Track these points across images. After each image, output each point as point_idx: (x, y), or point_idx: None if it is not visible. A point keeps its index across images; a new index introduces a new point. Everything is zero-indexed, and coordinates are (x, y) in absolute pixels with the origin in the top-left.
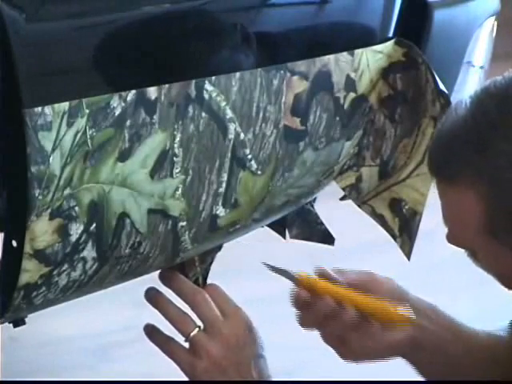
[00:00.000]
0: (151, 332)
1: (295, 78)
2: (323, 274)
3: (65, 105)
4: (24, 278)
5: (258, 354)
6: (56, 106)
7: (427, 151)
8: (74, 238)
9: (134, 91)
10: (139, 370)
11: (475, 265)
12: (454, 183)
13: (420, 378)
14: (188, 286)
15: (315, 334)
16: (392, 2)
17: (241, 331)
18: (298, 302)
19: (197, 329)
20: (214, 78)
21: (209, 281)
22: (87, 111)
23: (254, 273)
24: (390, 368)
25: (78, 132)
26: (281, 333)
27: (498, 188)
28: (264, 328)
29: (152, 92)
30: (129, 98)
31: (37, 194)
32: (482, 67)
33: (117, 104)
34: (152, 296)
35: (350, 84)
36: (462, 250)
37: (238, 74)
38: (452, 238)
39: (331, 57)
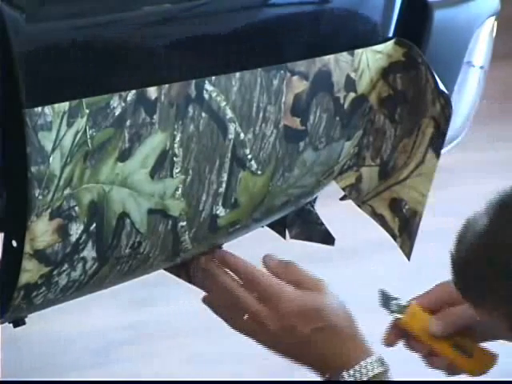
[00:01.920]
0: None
1: (295, 78)
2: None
3: (65, 105)
4: (24, 278)
5: (312, 330)
6: (56, 106)
7: (451, 265)
8: (74, 238)
9: (133, 91)
10: (139, 370)
11: None
12: (479, 306)
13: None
14: (226, 279)
15: None
16: (392, 2)
17: (283, 321)
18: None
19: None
20: (213, 77)
21: None
22: (87, 111)
23: None
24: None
25: (78, 132)
26: None
27: None
28: None
29: (152, 92)
30: (129, 98)
31: (37, 194)
32: (482, 67)
33: (117, 104)
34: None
35: (350, 84)
36: None
37: (237, 74)
38: None
39: (331, 57)
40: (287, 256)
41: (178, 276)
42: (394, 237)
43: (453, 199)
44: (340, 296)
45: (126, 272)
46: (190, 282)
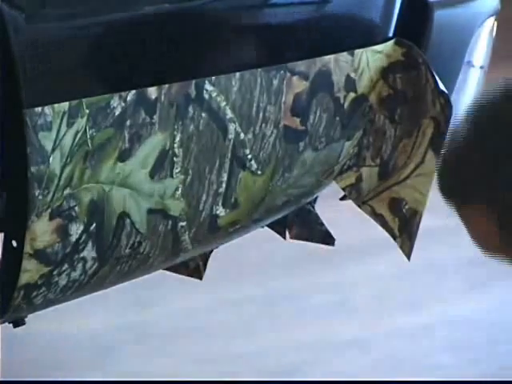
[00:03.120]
0: None
1: (295, 78)
2: None
3: (65, 105)
4: (24, 278)
5: None
6: (56, 106)
7: (437, 175)
8: (73, 238)
9: (133, 91)
10: (139, 370)
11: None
12: (464, 208)
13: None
14: None
15: (316, 334)
16: (392, 2)
17: None
18: None
19: None
20: (213, 78)
21: (209, 281)
22: (87, 111)
23: (254, 273)
24: (389, 367)
25: (78, 132)
26: (281, 332)
27: (509, 212)
28: (264, 327)
29: (152, 92)
30: (129, 98)
31: (37, 194)
32: (481, 67)
33: (117, 104)
34: None
35: (350, 84)
36: (462, 250)
37: (237, 74)
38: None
39: (331, 57)
40: (287, 256)
41: (177, 272)
42: (394, 237)
43: None
44: (340, 296)
45: (126, 272)
46: (188, 275)
